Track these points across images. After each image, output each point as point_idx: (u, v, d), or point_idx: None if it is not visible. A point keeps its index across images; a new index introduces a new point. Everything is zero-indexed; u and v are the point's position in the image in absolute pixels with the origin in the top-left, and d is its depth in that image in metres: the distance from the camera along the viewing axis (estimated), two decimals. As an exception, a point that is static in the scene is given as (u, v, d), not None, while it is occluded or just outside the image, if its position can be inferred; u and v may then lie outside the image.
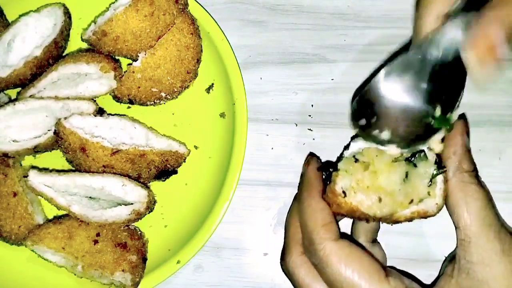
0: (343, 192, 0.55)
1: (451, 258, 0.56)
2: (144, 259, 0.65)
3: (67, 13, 0.68)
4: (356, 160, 0.56)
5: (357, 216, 0.55)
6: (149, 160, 0.64)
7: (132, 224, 0.66)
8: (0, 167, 0.66)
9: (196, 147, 0.70)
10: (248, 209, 0.71)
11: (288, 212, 0.64)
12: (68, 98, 0.66)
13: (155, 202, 0.66)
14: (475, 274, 0.51)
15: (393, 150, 0.55)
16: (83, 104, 0.65)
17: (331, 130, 0.70)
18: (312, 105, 0.71)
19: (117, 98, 0.68)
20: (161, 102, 0.69)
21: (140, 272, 0.64)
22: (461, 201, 0.54)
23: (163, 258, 0.66)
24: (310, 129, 0.71)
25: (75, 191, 0.64)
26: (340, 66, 0.72)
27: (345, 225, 0.66)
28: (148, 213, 0.65)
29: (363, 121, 0.55)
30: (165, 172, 0.67)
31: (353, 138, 0.58)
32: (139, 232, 0.67)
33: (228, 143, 0.67)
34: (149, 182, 0.68)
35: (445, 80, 0.52)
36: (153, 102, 0.69)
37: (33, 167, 0.67)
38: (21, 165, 0.69)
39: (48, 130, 0.65)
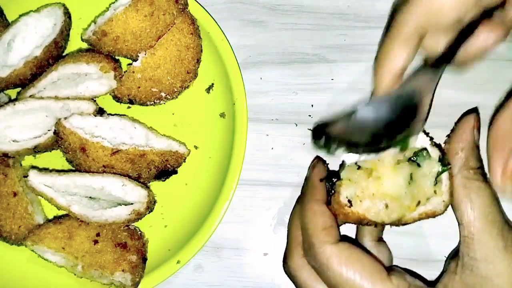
0: (349, 201, 0.54)
1: (454, 255, 0.56)
2: (144, 259, 0.65)
3: (67, 13, 0.68)
4: (359, 167, 0.56)
5: (366, 223, 0.55)
6: (149, 160, 0.64)
7: (132, 224, 0.66)
8: (0, 167, 0.66)
9: (196, 147, 0.70)
10: (248, 209, 0.71)
11: (290, 215, 0.64)
12: (68, 98, 0.66)
13: (155, 202, 0.66)
14: (479, 271, 0.51)
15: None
16: (83, 104, 0.65)
17: (331, 130, 0.70)
18: (312, 105, 0.71)
19: (117, 98, 0.68)
20: (161, 102, 0.69)
21: (140, 272, 0.64)
22: (465, 197, 0.54)
23: (163, 258, 0.66)
24: (310, 129, 0.71)
25: (75, 191, 0.64)
26: (340, 66, 0.71)
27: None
28: (148, 213, 0.65)
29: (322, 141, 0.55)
30: (165, 172, 0.67)
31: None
32: (139, 232, 0.67)
33: (228, 143, 0.67)
34: (149, 182, 0.68)
35: (397, 122, 0.54)
36: (153, 102, 0.69)
37: (33, 167, 0.67)
38: (21, 165, 0.69)
39: (48, 130, 0.65)
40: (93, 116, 0.65)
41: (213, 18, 0.68)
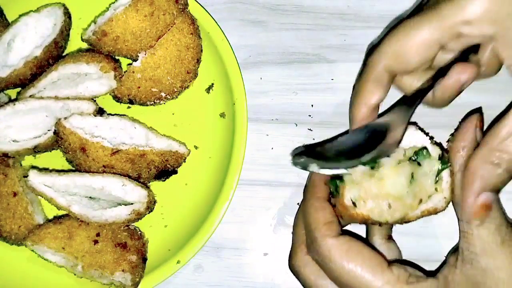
0: (353, 203, 0.55)
1: (454, 250, 0.57)
2: (144, 259, 0.65)
3: (67, 13, 0.68)
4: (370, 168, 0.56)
5: (370, 223, 0.56)
6: (149, 160, 0.64)
7: (132, 224, 0.66)
8: (0, 167, 0.66)
9: (196, 147, 0.70)
10: (248, 209, 0.71)
11: (295, 215, 0.65)
12: (68, 98, 0.66)
13: (155, 202, 0.66)
14: (479, 264, 0.53)
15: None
16: (83, 104, 0.65)
17: (331, 130, 0.70)
18: (312, 105, 0.71)
19: (117, 98, 0.68)
20: (161, 102, 0.69)
21: (140, 272, 0.64)
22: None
23: (163, 258, 0.66)
24: (310, 129, 0.71)
25: (75, 191, 0.64)
26: (340, 66, 0.71)
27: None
28: (148, 213, 0.65)
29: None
30: (165, 172, 0.67)
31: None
32: (139, 232, 0.67)
33: (228, 143, 0.67)
34: (149, 182, 0.68)
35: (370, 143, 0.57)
36: (153, 102, 0.69)
37: (33, 167, 0.67)
38: (21, 165, 0.69)
39: (48, 130, 0.65)
40: (93, 116, 0.65)
41: (213, 18, 0.68)
